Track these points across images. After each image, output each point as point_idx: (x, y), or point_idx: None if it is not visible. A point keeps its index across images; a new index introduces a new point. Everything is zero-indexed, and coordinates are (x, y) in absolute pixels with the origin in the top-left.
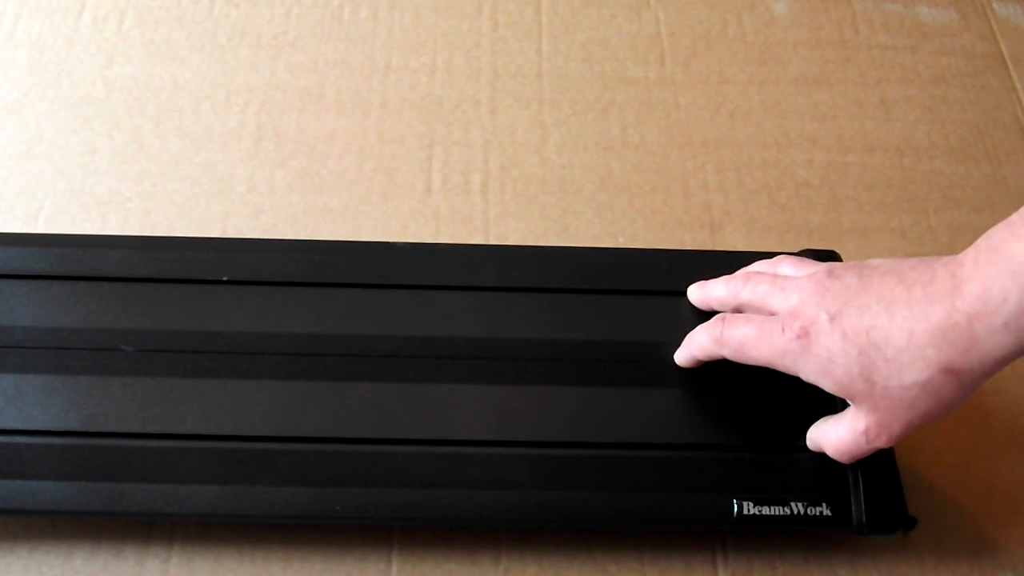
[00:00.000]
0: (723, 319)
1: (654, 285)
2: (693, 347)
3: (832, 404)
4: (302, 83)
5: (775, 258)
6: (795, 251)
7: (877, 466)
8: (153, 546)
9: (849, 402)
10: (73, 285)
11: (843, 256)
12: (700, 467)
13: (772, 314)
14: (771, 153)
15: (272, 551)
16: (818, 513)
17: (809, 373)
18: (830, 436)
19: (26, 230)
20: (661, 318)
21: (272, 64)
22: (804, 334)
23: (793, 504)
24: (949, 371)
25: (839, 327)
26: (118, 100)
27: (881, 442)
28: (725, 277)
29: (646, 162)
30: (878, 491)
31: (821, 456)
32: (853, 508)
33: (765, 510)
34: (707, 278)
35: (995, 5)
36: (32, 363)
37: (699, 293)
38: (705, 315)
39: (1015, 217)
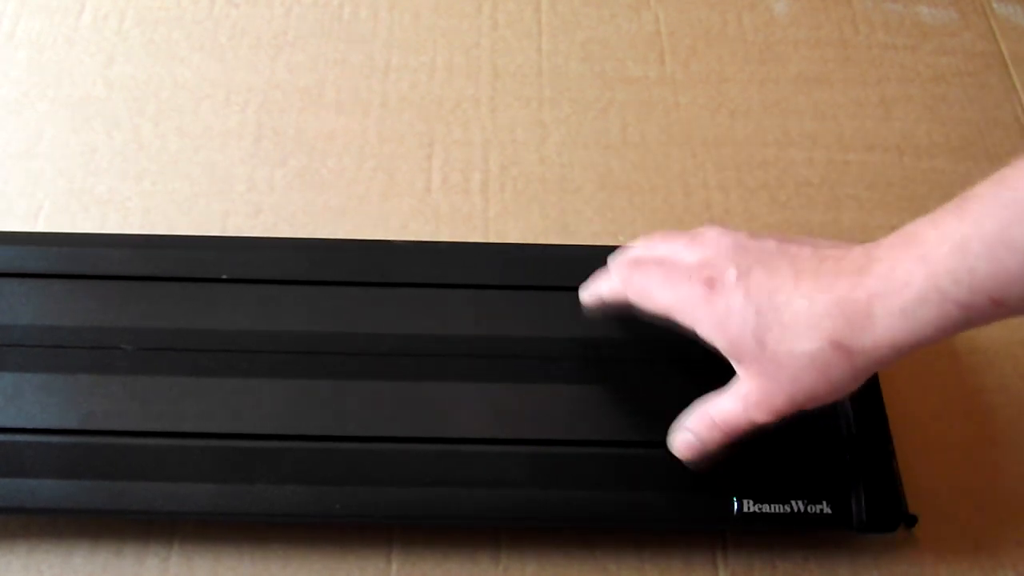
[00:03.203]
0: (637, 260)
1: None
2: (600, 285)
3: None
4: (302, 83)
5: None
6: None
7: (877, 464)
8: (153, 544)
9: (736, 367)
10: (73, 284)
11: None
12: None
13: None
14: (771, 152)
15: (272, 550)
16: (818, 511)
17: (704, 326)
18: (715, 403)
19: (26, 229)
20: (660, 317)
21: (272, 64)
22: (710, 284)
23: (793, 502)
24: (840, 347)
25: (744, 283)
26: (118, 100)
27: (761, 413)
28: (619, 261)
29: (646, 161)
30: (878, 489)
31: (822, 454)
32: (853, 506)
33: (765, 508)
34: None
35: (995, 5)
36: (32, 361)
37: (586, 293)
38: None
39: (939, 210)
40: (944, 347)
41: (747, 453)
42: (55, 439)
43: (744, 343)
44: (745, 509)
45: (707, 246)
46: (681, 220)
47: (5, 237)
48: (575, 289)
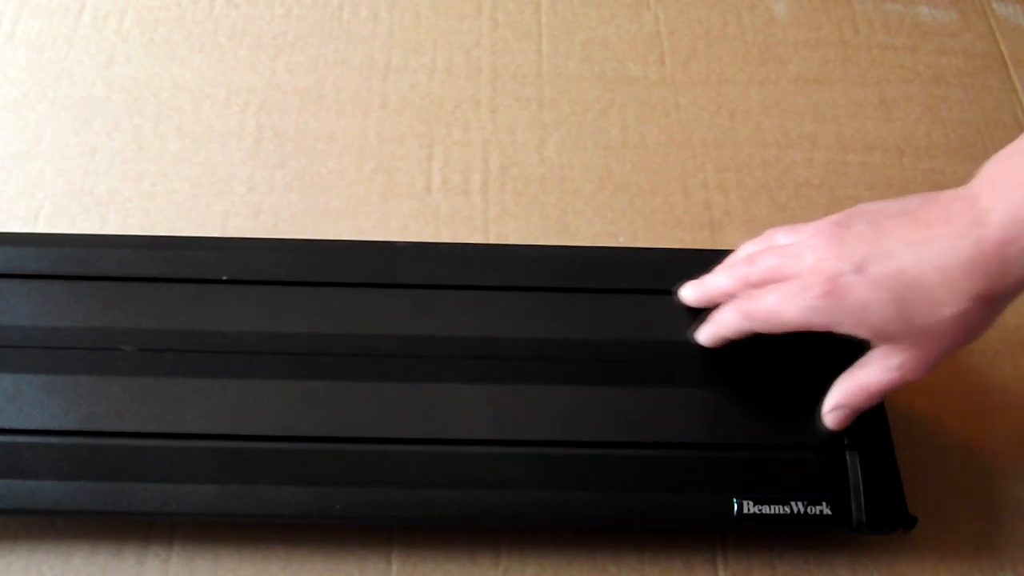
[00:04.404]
0: (746, 294)
1: (654, 284)
2: (719, 326)
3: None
4: (302, 83)
5: (764, 234)
6: None
7: (877, 465)
8: (153, 546)
9: (878, 344)
10: (73, 285)
11: None
12: (700, 466)
13: None
14: (771, 153)
15: (272, 551)
16: (818, 512)
17: (844, 325)
18: (865, 377)
19: (26, 230)
20: (661, 317)
21: (272, 64)
22: (832, 288)
23: (793, 503)
24: (983, 299)
25: (867, 275)
26: (118, 100)
27: (918, 374)
28: (721, 267)
29: (646, 162)
30: (878, 490)
31: (821, 455)
32: (853, 507)
33: (765, 509)
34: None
35: (995, 5)
36: (32, 362)
37: (697, 291)
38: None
39: (1020, 143)
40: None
41: (747, 454)
42: (55, 440)
43: (890, 327)
44: (745, 510)
45: (803, 254)
46: (681, 220)
47: (5, 237)
48: (575, 290)
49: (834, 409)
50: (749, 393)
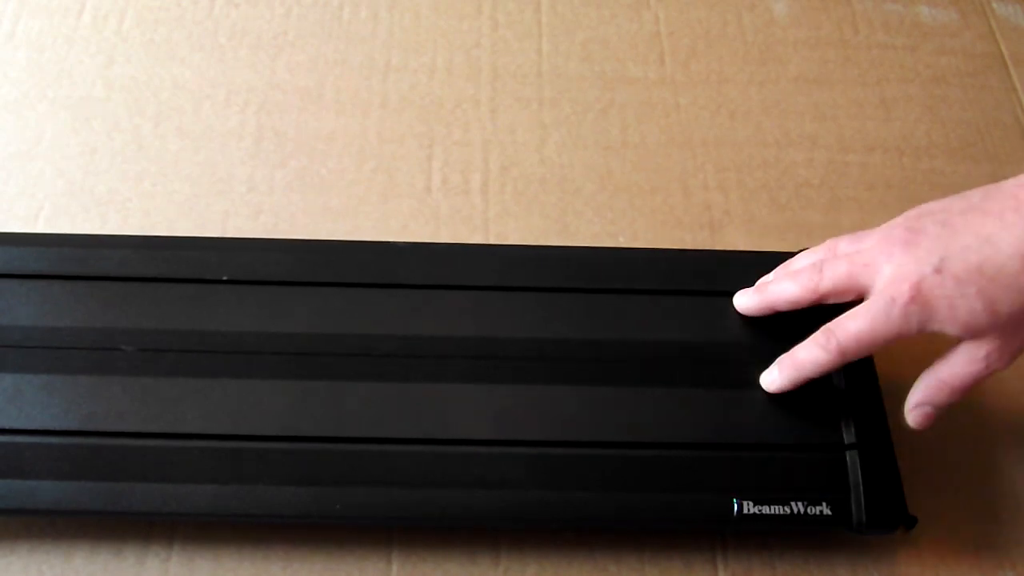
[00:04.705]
0: (826, 329)
1: (654, 284)
2: (804, 367)
3: (829, 392)
4: (302, 83)
5: (825, 244)
6: (795, 251)
7: (877, 465)
8: (153, 545)
9: (965, 339)
10: (73, 285)
11: None
12: (700, 467)
13: (862, 294)
14: (771, 153)
15: (272, 551)
16: (818, 513)
17: (933, 325)
18: (948, 371)
19: (26, 230)
20: (661, 317)
21: (272, 64)
22: (916, 294)
23: (793, 504)
24: None
25: (949, 274)
26: (118, 100)
27: (1004, 363)
28: (783, 275)
29: (646, 162)
30: (878, 490)
31: (821, 455)
32: (853, 507)
33: (765, 510)
34: (708, 278)
35: (995, 5)
36: (32, 362)
37: (757, 299)
38: (720, 317)
39: None
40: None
41: (747, 454)
42: (55, 440)
43: (978, 322)
44: (745, 510)
45: (876, 262)
46: (681, 221)
47: (5, 237)
48: (575, 290)
49: (917, 407)
50: (749, 393)
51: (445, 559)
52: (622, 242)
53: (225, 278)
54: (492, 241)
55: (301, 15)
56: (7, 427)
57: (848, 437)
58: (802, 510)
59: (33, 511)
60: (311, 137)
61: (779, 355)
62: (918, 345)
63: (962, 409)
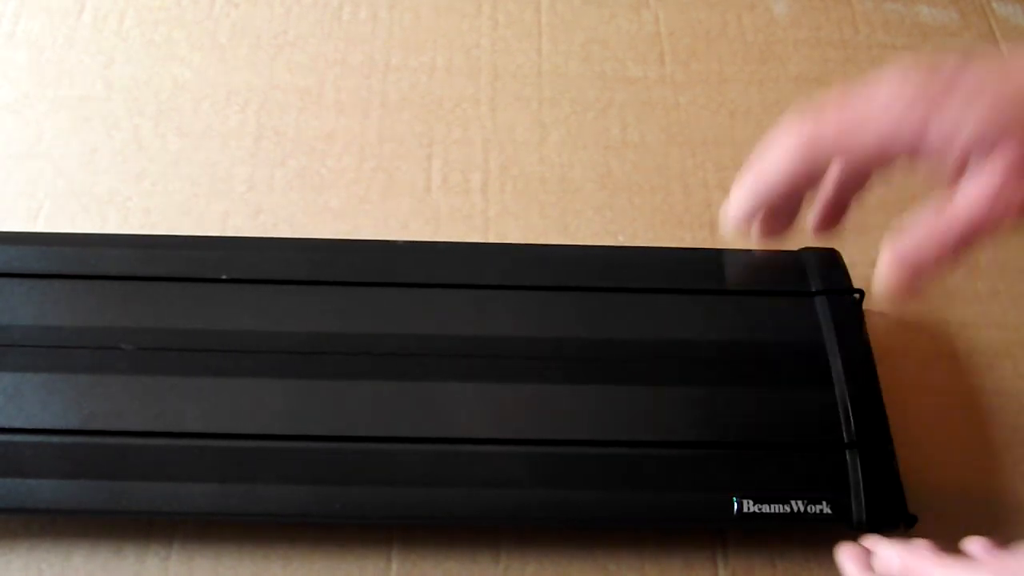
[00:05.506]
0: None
1: (654, 283)
2: (765, 170)
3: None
4: (302, 83)
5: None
6: (795, 250)
7: (877, 464)
8: (153, 544)
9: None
10: (73, 284)
11: (843, 255)
12: (700, 465)
13: None
14: None
15: (272, 550)
16: (818, 511)
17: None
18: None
19: (26, 229)
20: (661, 316)
21: (272, 64)
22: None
23: (793, 502)
24: None
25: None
26: (118, 100)
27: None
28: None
29: (646, 161)
30: (878, 489)
31: (822, 454)
32: (853, 506)
33: (765, 508)
34: (707, 277)
35: (995, 5)
36: (32, 361)
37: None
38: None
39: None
40: (944, 348)
41: (747, 453)
42: (55, 439)
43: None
44: (745, 509)
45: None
46: (681, 220)
47: (5, 237)
48: (575, 289)
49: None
50: (749, 393)
51: (445, 558)
52: (622, 241)
53: (225, 277)
54: (492, 240)
55: (301, 15)
56: (7, 426)
57: (848, 436)
58: (802, 509)
59: (33, 510)
60: (311, 137)
61: (779, 355)
62: (919, 347)
63: (962, 410)
